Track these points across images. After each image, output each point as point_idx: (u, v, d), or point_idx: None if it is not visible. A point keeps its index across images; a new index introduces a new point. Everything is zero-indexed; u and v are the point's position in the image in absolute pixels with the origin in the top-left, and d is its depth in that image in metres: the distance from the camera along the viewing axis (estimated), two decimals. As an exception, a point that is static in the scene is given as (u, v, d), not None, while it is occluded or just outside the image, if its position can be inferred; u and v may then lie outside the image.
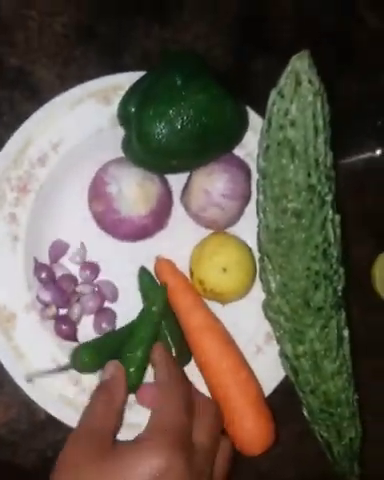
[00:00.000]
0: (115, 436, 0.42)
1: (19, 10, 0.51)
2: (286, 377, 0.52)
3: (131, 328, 0.48)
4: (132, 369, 0.47)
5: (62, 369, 0.47)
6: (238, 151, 0.51)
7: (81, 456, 0.39)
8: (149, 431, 0.41)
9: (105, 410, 0.43)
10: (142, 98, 0.45)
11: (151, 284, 0.50)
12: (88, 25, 0.53)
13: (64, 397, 0.48)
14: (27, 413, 0.51)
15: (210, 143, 0.47)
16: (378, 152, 0.61)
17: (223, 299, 0.51)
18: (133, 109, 0.46)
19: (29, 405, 0.49)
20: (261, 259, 0.49)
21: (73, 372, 0.48)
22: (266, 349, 0.52)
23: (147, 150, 0.45)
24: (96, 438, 0.40)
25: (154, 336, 0.48)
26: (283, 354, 0.50)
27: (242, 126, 0.50)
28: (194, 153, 0.47)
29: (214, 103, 0.45)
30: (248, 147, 0.52)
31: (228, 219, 0.51)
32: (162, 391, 0.44)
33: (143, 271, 0.51)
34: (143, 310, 0.49)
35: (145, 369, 0.48)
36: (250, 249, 0.51)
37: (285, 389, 0.52)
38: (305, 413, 0.51)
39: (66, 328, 0.49)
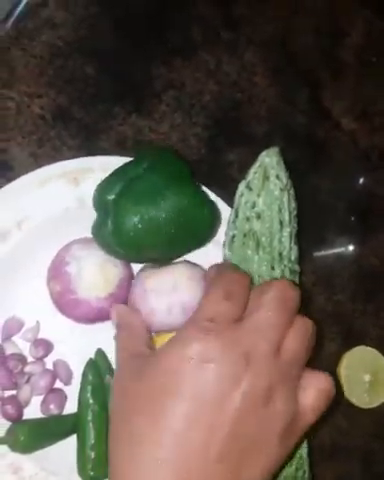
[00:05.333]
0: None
1: (0, 89, 0.53)
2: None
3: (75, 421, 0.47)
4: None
5: None
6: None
7: (116, 393, 0.38)
8: (179, 330, 0.37)
9: (124, 337, 0.43)
10: (123, 190, 0.45)
11: (95, 380, 0.49)
12: (66, 108, 0.54)
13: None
14: None
15: (183, 242, 0.47)
16: (350, 248, 0.62)
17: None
18: (112, 197, 0.45)
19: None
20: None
21: (14, 460, 0.46)
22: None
23: (119, 241, 0.45)
24: (124, 366, 0.40)
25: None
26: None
27: (216, 228, 0.50)
28: (165, 249, 0.47)
29: (192, 208, 0.46)
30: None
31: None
32: (205, 289, 0.42)
33: (91, 363, 0.49)
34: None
35: None
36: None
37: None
38: None
39: (13, 411, 0.46)
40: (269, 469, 0.36)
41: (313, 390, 0.37)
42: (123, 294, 0.49)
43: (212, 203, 0.48)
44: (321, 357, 0.58)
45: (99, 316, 0.48)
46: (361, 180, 0.62)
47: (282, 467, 0.38)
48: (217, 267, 0.43)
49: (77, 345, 0.50)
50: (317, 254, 0.61)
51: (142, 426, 0.35)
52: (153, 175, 0.45)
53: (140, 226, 0.44)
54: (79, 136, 0.54)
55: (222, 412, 0.34)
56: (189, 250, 0.49)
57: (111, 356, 0.49)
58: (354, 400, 0.57)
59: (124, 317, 0.46)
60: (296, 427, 0.36)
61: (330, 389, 0.38)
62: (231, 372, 0.34)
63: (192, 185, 0.47)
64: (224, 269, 0.42)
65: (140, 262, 0.50)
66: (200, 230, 0.47)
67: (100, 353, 0.49)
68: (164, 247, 0.46)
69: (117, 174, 0.47)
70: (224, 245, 0.49)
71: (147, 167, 0.46)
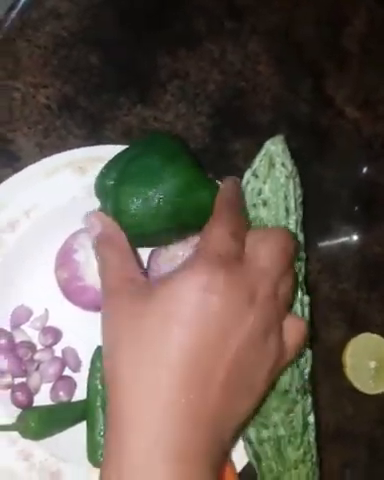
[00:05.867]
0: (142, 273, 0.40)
1: (5, 81, 0.53)
2: (248, 464, 0.49)
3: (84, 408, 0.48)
4: None
5: (5, 428, 0.46)
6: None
7: (116, 316, 0.37)
8: (187, 258, 0.38)
9: (114, 257, 0.40)
10: (121, 174, 0.45)
11: None
12: (71, 98, 0.54)
13: (12, 472, 0.45)
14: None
15: (184, 223, 0.47)
16: (354, 237, 0.62)
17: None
18: (111, 183, 0.46)
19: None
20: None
21: (25, 447, 0.46)
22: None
23: (121, 225, 0.45)
24: (120, 289, 0.38)
25: None
26: (247, 438, 0.48)
27: None
28: (167, 231, 0.47)
29: (190, 187, 0.46)
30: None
31: None
32: (211, 220, 0.41)
33: (100, 350, 0.49)
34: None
35: None
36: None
37: (246, 477, 0.49)
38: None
39: (23, 398, 0.47)
40: (253, 405, 0.38)
41: (295, 331, 0.40)
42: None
43: (212, 181, 0.47)
44: (326, 344, 0.58)
45: (106, 303, 0.48)
46: (364, 169, 0.62)
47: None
48: (231, 196, 0.44)
49: (85, 333, 0.49)
50: (321, 243, 0.61)
51: (146, 350, 0.35)
52: (148, 158, 0.45)
53: (140, 208, 0.44)
54: (85, 126, 0.54)
55: (225, 346, 0.35)
56: (192, 231, 0.49)
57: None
58: (359, 386, 0.57)
59: (110, 229, 0.43)
60: (281, 364, 0.39)
61: (306, 331, 0.41)
62: (236, 308, 0.36)
63: (189, 164, 0.46)
64: (235, 206, 0.43)
65: (146, 245, 0.50)
66: (200, 209, 0.47)
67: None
68: (165, 228, 0.46)
69: (114, 160, 0.47)
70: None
71: (142, 151, 0.46)
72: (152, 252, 0.51)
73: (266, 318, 0.37)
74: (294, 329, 0.40)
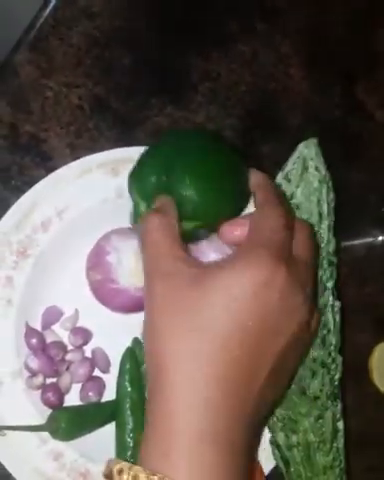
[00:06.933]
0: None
1: (39, 80, 0.53)
2: (275, 467, 0.49)
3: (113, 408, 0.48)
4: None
5: (35, 429, 0.46)
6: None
7: (172, 301, 0.36)
8: (244, 248, 0.37)
9: (167, 241, 0.38)
10: (173, 169, 0.42)
11: (133, 368, 0.49)
12: (103, 98, 0.54)
13: (42, 473, 0.45)
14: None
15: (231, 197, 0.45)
16: (380, 238, 0.62)
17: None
18: (163, 178, 0.43)
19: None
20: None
21: (55, 447, 0.46)
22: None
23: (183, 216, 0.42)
24: (176, 272, 0.36)
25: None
26: (274, 443, 0.48)
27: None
28: (210, 226, 0.44)
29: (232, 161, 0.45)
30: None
31: None
32: (261, 211, 0.40)
33: (129, 351, 0.49)
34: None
35: None
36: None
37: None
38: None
39: (54, 398, 0.47)
40: (283, 392, 0.42)
41: (314, 321, 0.41)
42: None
43: (236, 151, 0.46)
44: (352, 348, 0.58)
45: (137, 305, 0.48)
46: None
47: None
48: (272, 186, 0.44)
49: (114, 334, 0.50)
50: (348, 245, 0.61)
51: (196, 341, 0.35)
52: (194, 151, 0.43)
53: (202, 201, 0.42)
54: (116, 127, 0.54)
55: (276, 342, 0.36)
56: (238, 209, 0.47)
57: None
58: (385, 391, 0.57)
59: (166, 206, 0.40)
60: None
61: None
62: (291, 305, 0.36)
63: (224, 145, 0.45)
64: (282, 197, 0.44)
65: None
66: (240, 179, 0.45)
67: (137, 342, 0.50)
68: (212, 223, 0.44)
69: (150, 157, 0.45)
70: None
71: (178, 145, 0.44)
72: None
73: (310, 313, 0.38)
74: (314, 320, 0.41)
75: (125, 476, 0.33)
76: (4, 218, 0.48)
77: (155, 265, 0.38)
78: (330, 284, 0.47)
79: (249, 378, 0.35)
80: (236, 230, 0.41)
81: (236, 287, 0.35)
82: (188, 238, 0.45)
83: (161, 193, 0.41)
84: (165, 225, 0.39)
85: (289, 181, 0.47)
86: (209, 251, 0.49)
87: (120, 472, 0.33)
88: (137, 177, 0.44)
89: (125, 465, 0.33)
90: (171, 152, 0.43)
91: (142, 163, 0.45)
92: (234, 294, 0.35)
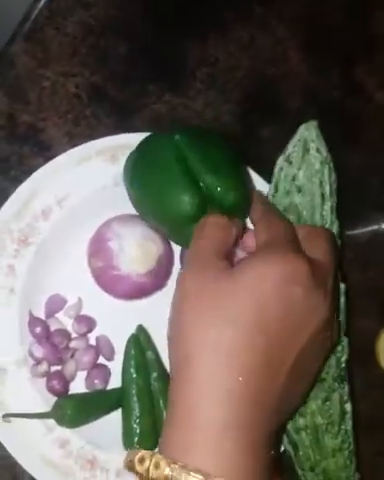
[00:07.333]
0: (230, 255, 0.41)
1: (35, 70, 0.53)
2: (283, 452, 0.49)
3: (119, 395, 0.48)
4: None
5: (41, 416, 0.46)
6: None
7: (195, 283, 0.37)
8: (265, 247, 0.39)
9: (219, 237, 0.40)
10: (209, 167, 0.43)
11: (138, 355, 0.49)
12: (101, 87, 0.54)
13: (49, 460, 0.45)
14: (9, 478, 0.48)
15: None
16: (383, 225, 0.61)
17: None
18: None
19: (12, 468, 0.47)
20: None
21: (61, 435, 0.46)
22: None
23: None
24: (206, 260, 0.38)
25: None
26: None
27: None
28: None
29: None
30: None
31: None
32: (267, 218, 0.43)
33: (134, 338, 0.49)
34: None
35: None
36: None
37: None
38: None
39: (59, 386, 0.47)
40: (308, 390, 0.42)
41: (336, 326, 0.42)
42: (162, 270, 0.49)
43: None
44: (358, 332, 0.57)
45: (140, 292, 0.48)
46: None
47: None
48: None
49: (118, 321, 0.50)
50: (351, 231, 0.60)
51: (222, 332, 0.35)
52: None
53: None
54: (114, 114, 0.54)
55: (298, 338, 0.37)
56: None
57: (151, 332, 0.50)
58: (393, 375, 0.57)
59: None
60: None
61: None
62: (314, 301, 0.37)
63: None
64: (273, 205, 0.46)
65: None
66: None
67: (141, 329, 0.50)
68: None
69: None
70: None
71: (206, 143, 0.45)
72: (182, 250, 0.50)
73: (331, 310, 0.39)
74: (336, 323, 0.42)
75: (147, 463, 0.33)
76: (4, 206, 0.48)
77: (196, 256, 0.39)
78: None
79: (272, 372, 0.36)
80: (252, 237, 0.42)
81: (264, 281, 0.36)
82: None
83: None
84: (224, 226, 0.41)
85: (290, 163, 0.47)
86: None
87: (141, 460, 0.34)
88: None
89: (146, 453, 0.34)
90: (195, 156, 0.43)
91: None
92: (261, 288, 0.36)
